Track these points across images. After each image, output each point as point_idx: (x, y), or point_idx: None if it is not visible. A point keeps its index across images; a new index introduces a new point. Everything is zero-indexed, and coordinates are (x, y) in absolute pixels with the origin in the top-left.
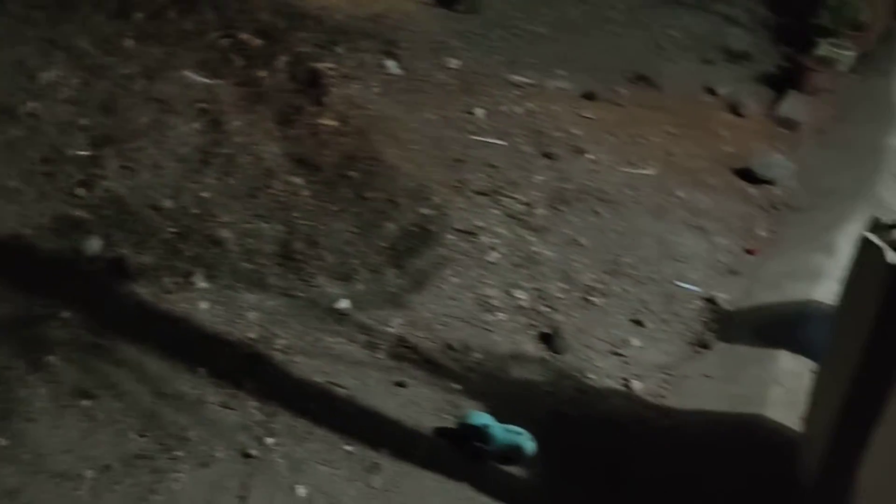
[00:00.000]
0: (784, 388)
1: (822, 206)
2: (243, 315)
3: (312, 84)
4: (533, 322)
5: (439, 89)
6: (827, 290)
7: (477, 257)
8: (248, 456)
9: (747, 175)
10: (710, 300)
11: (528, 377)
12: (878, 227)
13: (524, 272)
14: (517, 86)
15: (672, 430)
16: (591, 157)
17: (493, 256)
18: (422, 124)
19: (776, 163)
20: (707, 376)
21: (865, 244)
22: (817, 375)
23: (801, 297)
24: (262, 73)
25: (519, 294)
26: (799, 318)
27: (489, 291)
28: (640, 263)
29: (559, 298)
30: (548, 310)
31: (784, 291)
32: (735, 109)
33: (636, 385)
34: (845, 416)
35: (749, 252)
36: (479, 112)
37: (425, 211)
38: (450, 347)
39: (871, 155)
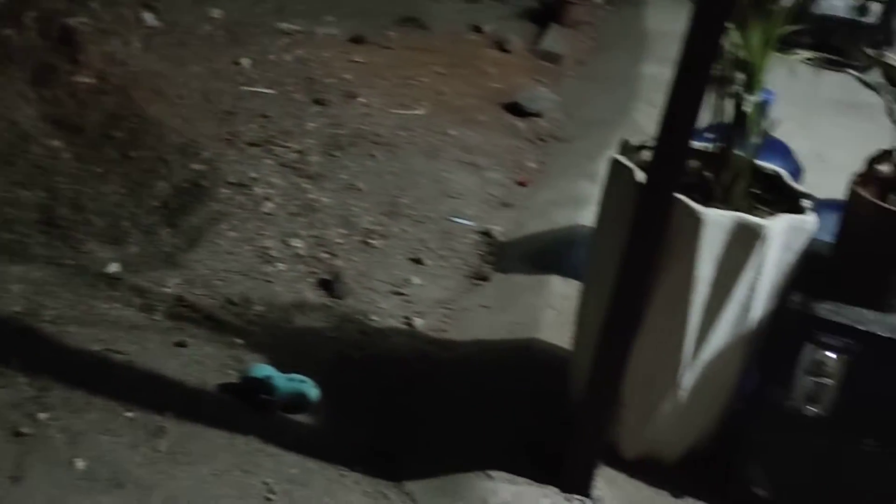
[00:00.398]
0: (556, 311)
1: (585, 135)
2: (7, 289)
3: (66, 41)
4: (313, 270)
5: (204, 41)
6: (591, 214)
7: (252, 209)
8: (19, 434)
9: (515, 109)
10: (485, 233)
11: (312, 325)
12: (627, 148)
13: (302, 220)
14: (286, 33)
15: (454, 362)
16: (364, 101)
17: (269, 207)
18: (188, 78)
19: (541, 96)
20: (485, 307)
21: (615, 165)
22: (580, 296)
23: (569, 223)
24: (9, 32)
25: (297, 243)
26: (567, 243)
27: (267, 243)
28: (417, 203)
29: (339, 244)
30: (328, 256)
31: (553, 219)
32: (501, 46)
33: (418, 322)
34: (606, 332)
35: (520, 184)
36: (247, 62)
37: (196, 166)
38: (230, 302)
39: (627, 83)
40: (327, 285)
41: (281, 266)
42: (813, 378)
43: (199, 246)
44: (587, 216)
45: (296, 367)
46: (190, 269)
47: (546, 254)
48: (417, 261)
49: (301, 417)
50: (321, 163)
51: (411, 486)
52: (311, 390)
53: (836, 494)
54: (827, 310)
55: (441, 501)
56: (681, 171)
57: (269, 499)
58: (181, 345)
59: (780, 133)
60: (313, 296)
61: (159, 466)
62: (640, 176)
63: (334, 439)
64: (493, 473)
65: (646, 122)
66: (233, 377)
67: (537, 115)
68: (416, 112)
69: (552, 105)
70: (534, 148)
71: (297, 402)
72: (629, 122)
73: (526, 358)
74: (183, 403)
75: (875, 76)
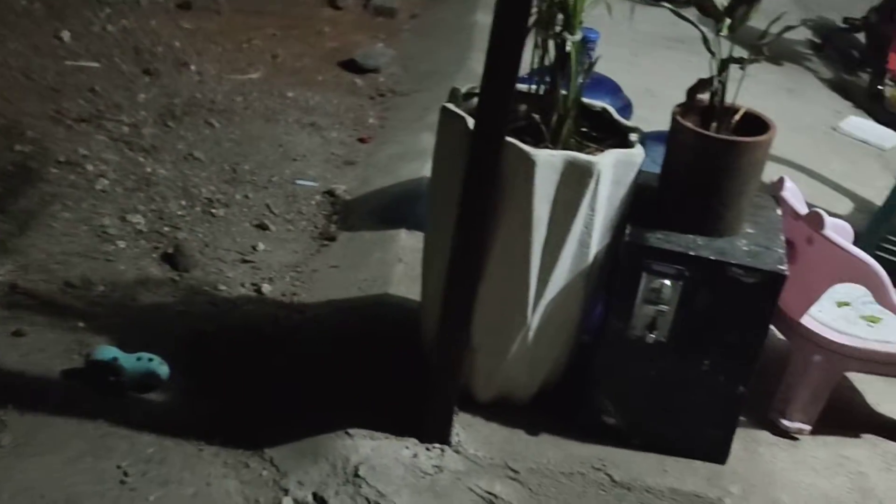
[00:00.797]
0: (405, 265)
1: (424, 88)
2: None
3: None
4: (156, 244)
5: (21, 16)
6: None
7: (86, 188)
8: None
9: (352, 67)
10: (330, 193)
11: (159, 301)
12: (456, 96)
13: (140, 195)
14: (107, 3)
15: (306, 324)
16: (196, 68)
17: (104, 184)
18: (6, 55)
19: (378, 51)
20: (335, 266)
21: (446, 114)
22: (424, 246)
23: (413, 176)
24: None
25: (137, 219)
26: (412, 196)
27: (105, 221)
28: (259, 168)
29: (180, 216)
30: (170, 229)
31: (397, 173)
32: (334, 4)
33: (267, 288)
34: (451, 279)
35: (361, 141)
36: (69, 35)
37: (21, 147)
38: (69, 285)
39: (461, 32)
40: (171, 259)
41: (121, 244)
42: (650, 306)
43: (32, 230)
44: (430, 168)
45: (145, 346)
46: (23, 254)
47: (392, 208)
48: (263, 226)
49: (153, 396)
50: (156, 135)
51: (271, 452)
52: (161, 367)
53: (678, 415)
54: (658, 239)
55: (302, 464)
56: (507, 114)
57: (124, 481)
58: (19, 334)
59: (609, 71)
60: (158, 271)
61: (4, 462)
62: (471, 122)
63: (189, 414)
64: (353, 431)
65: (481, 69)
66: (77, 362)
67: (375, 70)
68: (252, 76)
69: (389, 60)
70: (374, 104)
71: (147, 380)
72: (466, 71)
73: (378, 313)
74: (26, 395)
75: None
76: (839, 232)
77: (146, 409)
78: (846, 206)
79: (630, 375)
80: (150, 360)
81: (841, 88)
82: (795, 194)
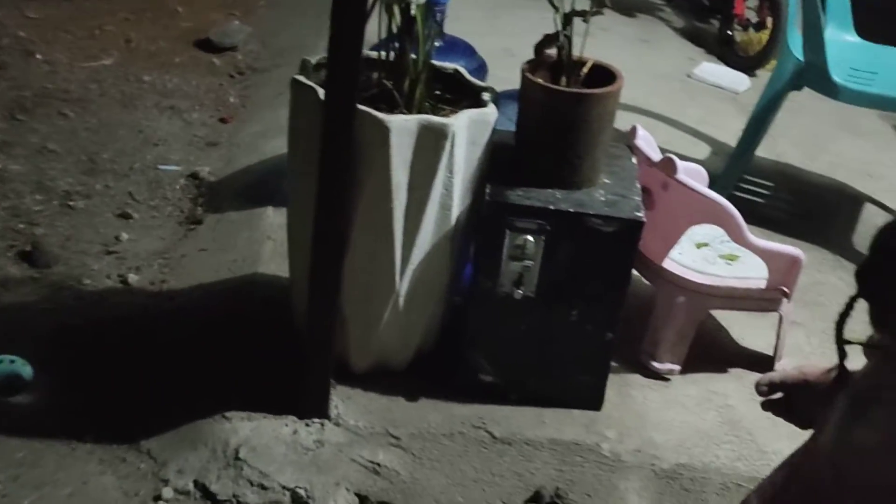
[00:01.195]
0: (274, 242)
1: (284, 63)
2: None
3: None
4: (12, 243)
5: None
6: None
7: None
8: None
9: (209, 46)
10: (194, 176)
11: (20, 300)
12: (307, 68)
13: None
14: None
15: (177, 311)
16: (45, 58)
17: None
18: None
19: (234, 29)
20: (203, 250)
21: (297, 86)
22: (288, 221)
23: (278, 153)
24: None
25: None
26: (277, 173)
27: None
28: (119, 156)
29: (37, 211)
30: (26, 226)
31: (262, 151)
32: None
33: (134, 278)
34: (316, 252)
35: (223, 121)
36: None
37: None
38: None
39: (317, 4)
40: (29, 257)
41: None
42: (516, 262)
43: None
44: None
45: (8, 348)
46: None
47: (258, 187)
48: (126, 215)
49: (19, 398)
50: (6, 129)
51: (148, 444)
52: (24, 368)
53: (552, 367)
54: (518, 196)
55: (181, 453)
56: (357, 82)
57: None
58: None
59: (467, 33)
60: (16, 270)
61: None
62: (321, 93)
63: (59, 413)
64: (230, 414)
65: None
66: None
67: (232, 49)
68: (106, 63)
69: (246, 37)
70: (233, 83)
71: (11, 383)
72: (324, 44)
73: (249, 293)
74: None
75: None
76: (693, 176)
77: (12, 413)
78: (704, 150)
79: (502, 332)
80: (12, 361)
81: (693, 36)
82: (649, 142)
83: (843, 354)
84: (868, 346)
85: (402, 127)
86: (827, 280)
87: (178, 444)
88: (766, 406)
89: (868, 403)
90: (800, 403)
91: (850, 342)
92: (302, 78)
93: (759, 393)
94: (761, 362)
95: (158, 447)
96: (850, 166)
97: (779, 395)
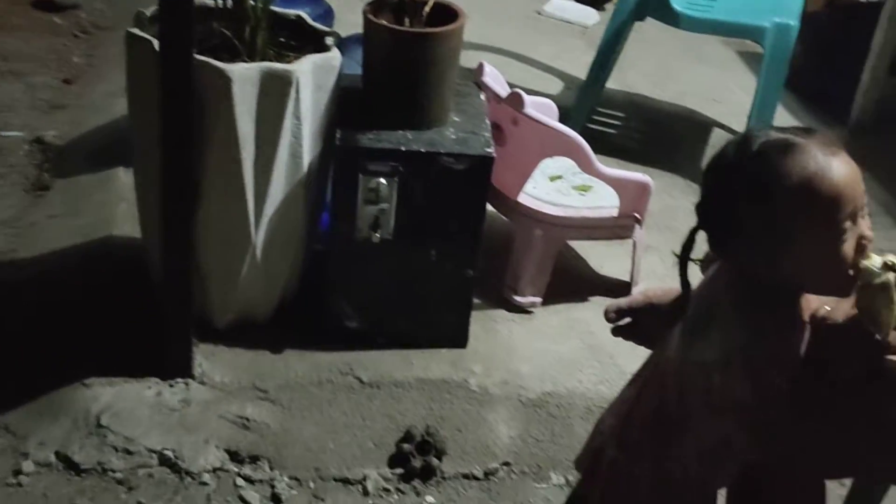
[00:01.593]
0: (128, 203)
1: (130, 20)
2: None
3: None
4: None
5: None
6: None
7: None
8: None
9: (49, 6)
10: (39, 140)
11: None
12: (141, 20)
13: None
14: None
15: (28, 281)
16: None
17: None
18: None
19: None
20: (53, 216)
21: (132, 39)
22: (136, 180)
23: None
24: None
25: None
26: (128, 133)
27: None
28: None
29: None
30: None
31: (112, 111)
32: None
33: None
34: (166, 208)
35: (67, 82)
36: None
37: None
38: None
39: None
40: None
41: None
42: (372, 206)
43: None
44: None
45: None
46: None
47: (109, 148)
48: None
49: None
50: None
51: (4, 418)
52: None
53: (415, 308)
54: (369, 139)
55: (41, 424)
56: (192, 32)
57: None
58: None
59: None
60: None
61: None
62: (157, 45)
63: None
64: (90, 381)
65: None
66: None
67: (75, 7)
68: None
69: None
70: (78, 43)
71: None
72: None
73: (104, 257)
74: None
75: None
76: (542, 110)
77: None
78: (557, 85)
79: (363, 277)
80: None
81: None
82: (496, 78)
83: (685, 283)
84: (704, 265)
85: (244, 75)
86: (678, 204)
87: (37, 417)
88: (616, 332)
89: (705, 321)
90: (647, 326)
91: (693, 260)
92: (137, 31)
93: (608, 320)
94: (619, 288)
95: (16, 421)
96: (697, 93)
97: (627, 319)
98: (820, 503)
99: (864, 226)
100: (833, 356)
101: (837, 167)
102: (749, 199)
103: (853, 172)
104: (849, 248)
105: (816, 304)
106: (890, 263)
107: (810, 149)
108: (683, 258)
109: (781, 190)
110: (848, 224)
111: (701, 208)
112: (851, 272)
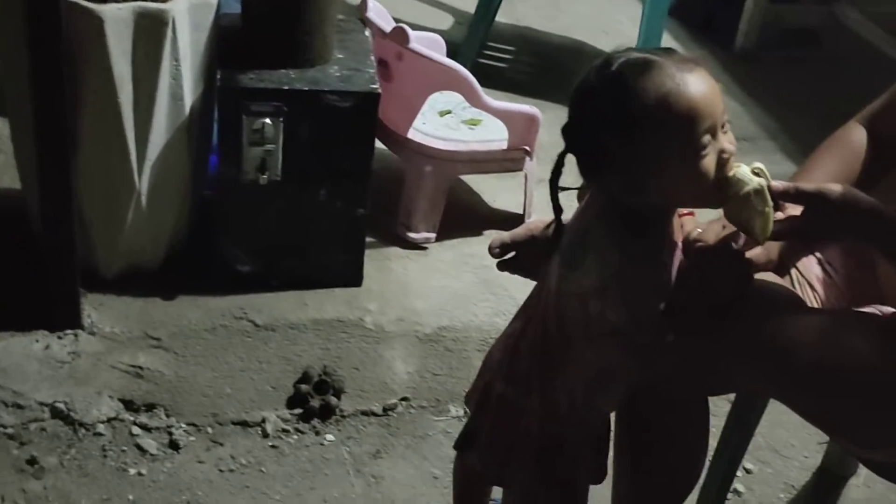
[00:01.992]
0: (5, 154)
1: None
2: None
3: None
4: None
5: None
6: None
7: None
8: None
9: None
10: None
11: None
12: None
13: None
14: None
15: None
16: None
17: None
18: None
19: None
20: None
21: None
22: (11, 129)
23: None
24: None
25: None
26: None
27: None
28: None
29: None
30: None
31: None
32: None
33: None
34: (42, 155)
35: None
36: None
37: None
38: None
39: None
40: None
41: None
42: (257, 147)
43: None
44: None
45: None
46: None
47: None
48: None
49: None
50: None
51: None
52: None
53: (308, 248)
54: (251, 79)
55: None
56: None
57: None
58: None
59: None
60: None
61: None
62: None
63: None
64: None
65: None
66: None
67: None
68: None
69: None
70: None
71: None
72: None
73: None
74: None
75: None
76: (429, 45)
77: None
78: (447, 20)
79: (253, 220)
80: None
81: None
82: (381, 14)
83: (557, 208)
84: (581, 193)
85: (116, 16)
86: None
87: None
88: (502, 266)
89: (580, 250)
90: (530, 259)
91: (570, 188)
92: None
93: (492, 255)
94: (513, 221)
95: None
96: (586, 25)
97: (512, 254)
98: (704, 419)
99: (725, 140)
100: (705, 277)
101: (694, 83)
102: (609, 120)
103: (711, 88)
104: (710, 162)
105: (690, 227)
106: (757, 171)
107: (667, 67)
108: (553, 184)
109: (639, 107)
110: (707, 139)
111: (566, 132)
112: (716, 186)
